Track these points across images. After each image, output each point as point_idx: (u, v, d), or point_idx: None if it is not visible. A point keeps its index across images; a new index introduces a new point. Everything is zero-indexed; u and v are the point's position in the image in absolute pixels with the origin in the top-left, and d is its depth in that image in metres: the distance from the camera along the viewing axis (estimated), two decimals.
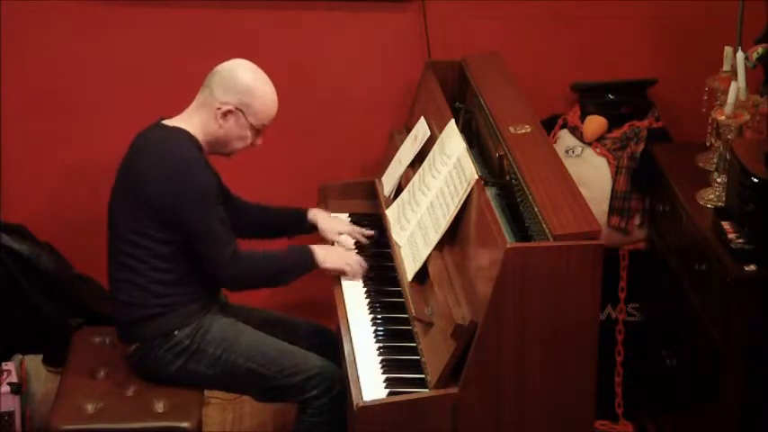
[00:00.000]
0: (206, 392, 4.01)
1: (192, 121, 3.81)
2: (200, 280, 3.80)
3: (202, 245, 3.73)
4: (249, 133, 3.82)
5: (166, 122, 3.82)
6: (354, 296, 3.88)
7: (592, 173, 4.34)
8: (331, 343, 3.99)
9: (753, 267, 3.52)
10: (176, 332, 3.77)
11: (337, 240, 4.08)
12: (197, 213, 3.70)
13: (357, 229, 4.12)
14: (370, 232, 4.12)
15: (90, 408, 3.74)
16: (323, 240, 4.11)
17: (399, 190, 4.12)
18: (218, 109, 3.77)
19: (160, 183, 3.70)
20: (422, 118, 4.19)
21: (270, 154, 4.15)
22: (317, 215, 4.15)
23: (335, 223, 4.14)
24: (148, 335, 3.78)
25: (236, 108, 3.77)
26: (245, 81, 3.78)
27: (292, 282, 3.93)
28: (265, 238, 4.15)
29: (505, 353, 3.31)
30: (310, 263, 3.88)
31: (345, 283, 3.93)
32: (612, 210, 4.30)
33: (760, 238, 3.53)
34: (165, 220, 3.71)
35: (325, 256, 3.91)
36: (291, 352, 3.83)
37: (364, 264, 3.95)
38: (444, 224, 3.63)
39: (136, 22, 4.46)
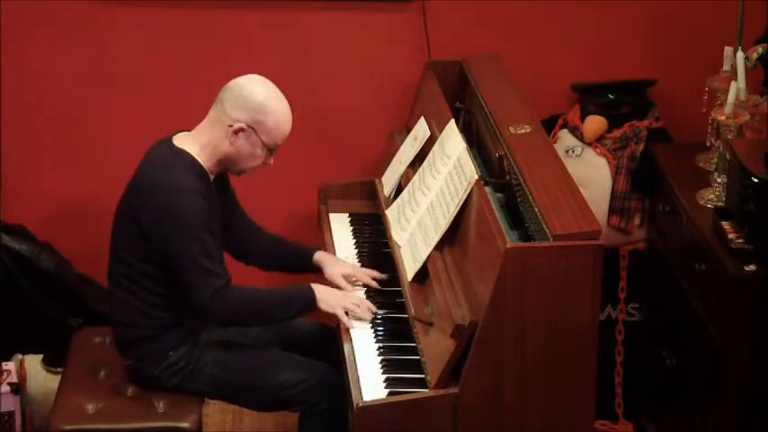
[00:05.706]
0: None
1: (201, 140, 3.70)
2: None
3: (184, 274, 3.61)
4: (261, 152, 3.70)
5: (176, 141, 3.71)
6: None
7: (592, 173, 4.34)
8: (334, 342, 3.97)
9: (753, 267, 3.52)
10: (171, 353, 3.74)
11: (341, 285, 3.92)
12: (180, 241, 3.58)
13: (364, 271, 3.96)
14: (380, 275, 3.95)
15: (90, 408, 3.74)
16: (326, 283, 3.94)
17: (399, 190, 4.11)
18: (230, 126, 3.66)
19: (150, 207, 3.62)
20: (422, 118, 4.18)
21: None
22: (323, 258, 4.00)
23: (340, 266, 3.99)
24: (143, 354, 3.75)
25: (248, 126, 3.66)
26: (257, 98, 3.66)
27: (288, 319, 3.84)
28: (266, 268, 4.06)
29: (505, 353, 3.31)
30: (310, 300, 3.74)
31: (346, 284, 3.93)
32: (612, 210, 4.30)
33: (760, 238, 3.53)
34: (154, 244, 3.64)
35: (322, 295, 3.75)
36: (289, 363, 3.81)
37: (373, 307, 3.76)
38: (444, 224, 3.63)
39: (136, 22, 4.46)
